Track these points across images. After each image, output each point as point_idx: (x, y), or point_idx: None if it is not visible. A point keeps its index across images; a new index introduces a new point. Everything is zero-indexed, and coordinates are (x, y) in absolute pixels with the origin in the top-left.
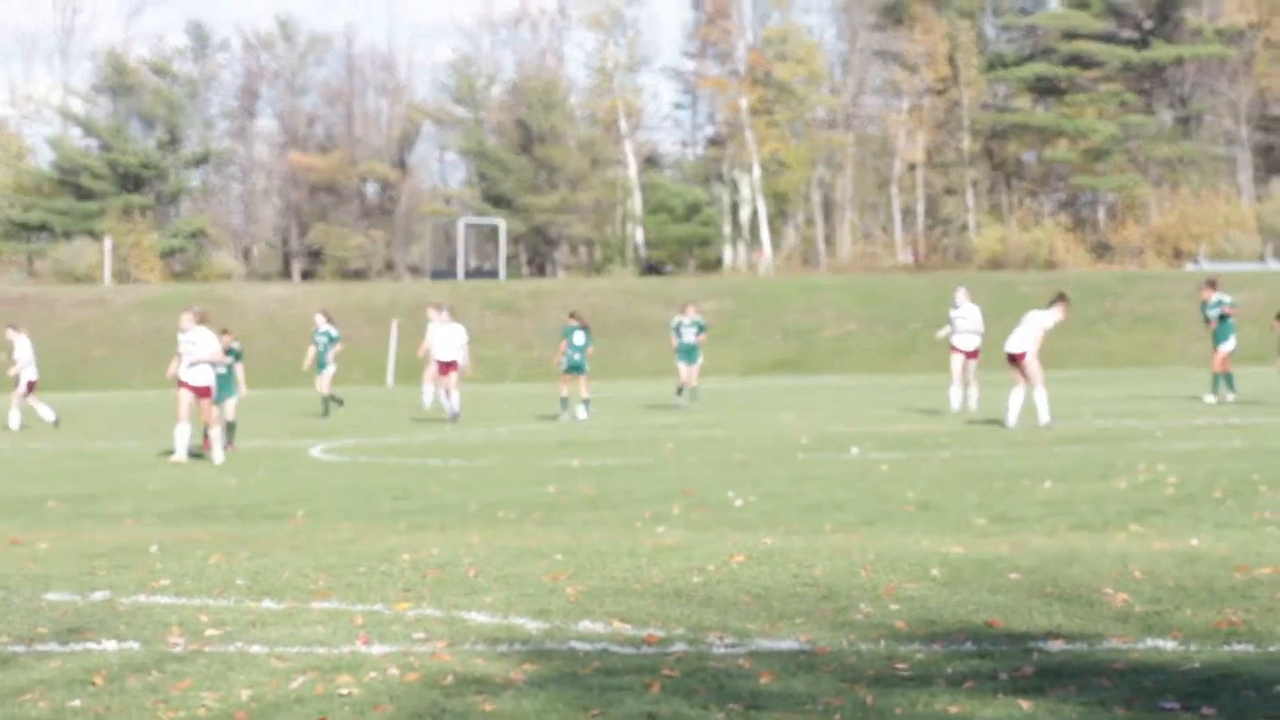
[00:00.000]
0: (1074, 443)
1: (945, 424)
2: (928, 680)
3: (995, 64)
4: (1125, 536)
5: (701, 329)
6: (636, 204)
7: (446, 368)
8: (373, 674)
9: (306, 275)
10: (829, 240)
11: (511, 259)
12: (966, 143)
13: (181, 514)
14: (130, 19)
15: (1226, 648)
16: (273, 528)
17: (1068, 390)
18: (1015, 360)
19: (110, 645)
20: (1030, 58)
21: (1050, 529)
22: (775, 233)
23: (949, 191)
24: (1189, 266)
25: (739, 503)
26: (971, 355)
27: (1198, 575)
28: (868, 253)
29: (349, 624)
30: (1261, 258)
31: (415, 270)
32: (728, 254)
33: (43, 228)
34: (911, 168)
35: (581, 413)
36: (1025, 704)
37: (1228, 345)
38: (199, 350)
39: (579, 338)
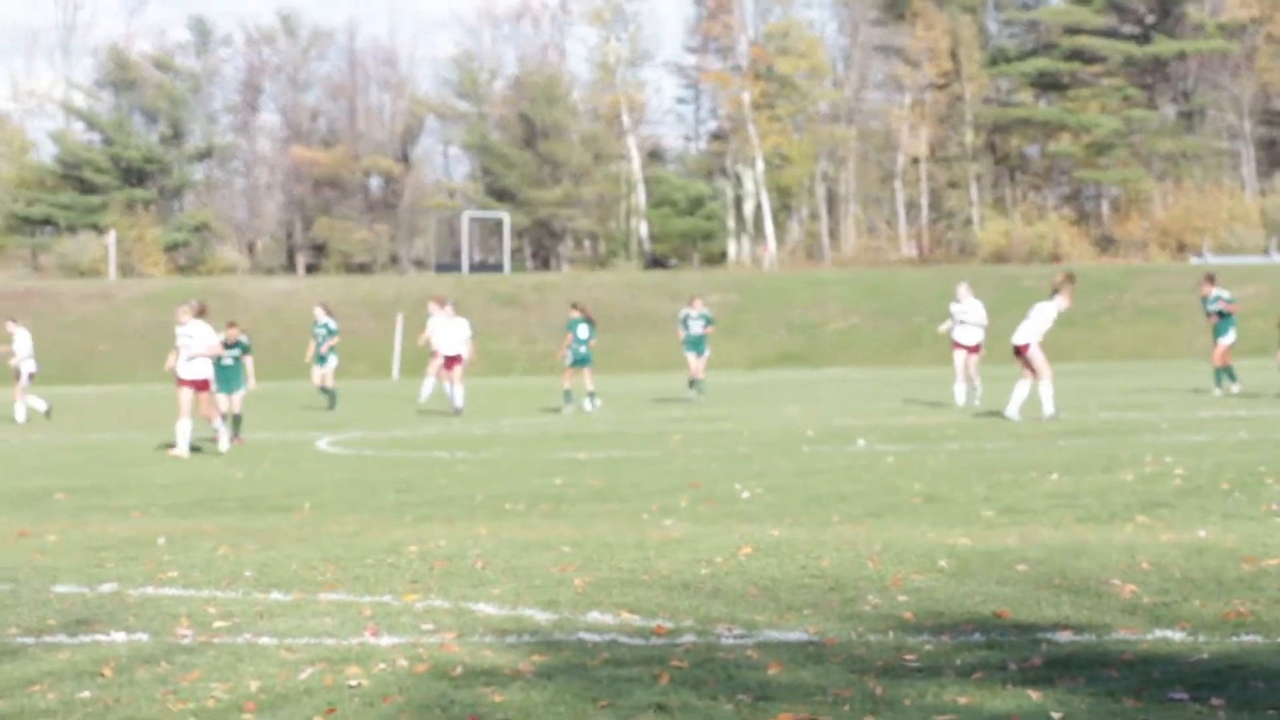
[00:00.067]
0: (1080, 435)
1: (951, 416)
2: (936, 671)
3: (997, 59)
4: (1133, 528)
5: (709, 321)
6: (640, 198)
7: (451, 362)
8: (381, 665)
9: (310, 269)
10: (833, 234)
11: (516, 253)
12: (969, 137)
13: (189, 506)
14: (132, 14)
15: (1234, 639)
16: (279, 520)
17: (1072, 383)
18: (1019, 352)
19: (119, 637)
20: (1033, 53)
21: (1057, 521)
22: (779, 227)
23: (952, 185)
24: (1193, 260)
25: (746, 495)
26: (973, 350)
27: (1205, 567)
28: (872, 246)
29: (357, 615)
30: (1265, 251)
31: (420, 264)
32: (732, 248)
33: (46, 222)
34: (915, 162)
35: (588, 405)
36: (1034, 695)
37: (1227, 339)
38: (196, 344)
39: (583, 330)
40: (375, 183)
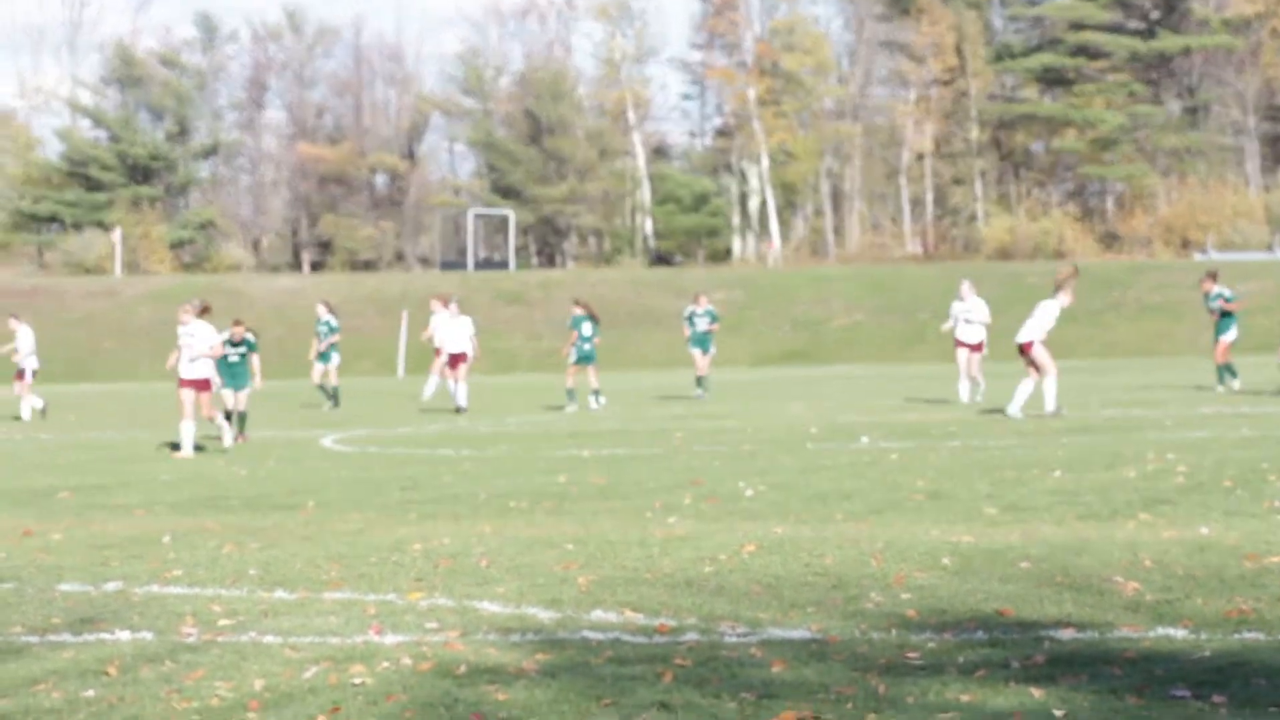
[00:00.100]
0: (1082, 432)
1: (954, 413)
2: (939, 669)
3: (1003, 54)
4: (1135, 525)
5: (714, 318)
6: (645, 194)
7: (456, 360)
8: (386, 664)
9: (316, 266)
10: (838, 230)
11: (521, 250)
12: (974, 133)
13: (193, 504)
14: (138, 11)
15: (1237, 636)
16: (284, 518)
17: (1075, 379)
18: (1023, 350)
19: (123, 635)
20: (1038, 48)
21: (1060, 518)
22: (784, 223)
23: (957, 181)
24: (1197, 256)
25: (749, 493)
26: (976, 348)
27: (1208, 564)
28: (876, 243)
29: (361, 614)
30: (1269, 247)
31: (425, 261)
32: (736, 245)
33: (52, 219)
34: (920, 158)
35: (594, 403)
36: (1037, 692)
37: (1229, 336)
38: (197, 344)
39: (587, 328)
40: (381, 180)
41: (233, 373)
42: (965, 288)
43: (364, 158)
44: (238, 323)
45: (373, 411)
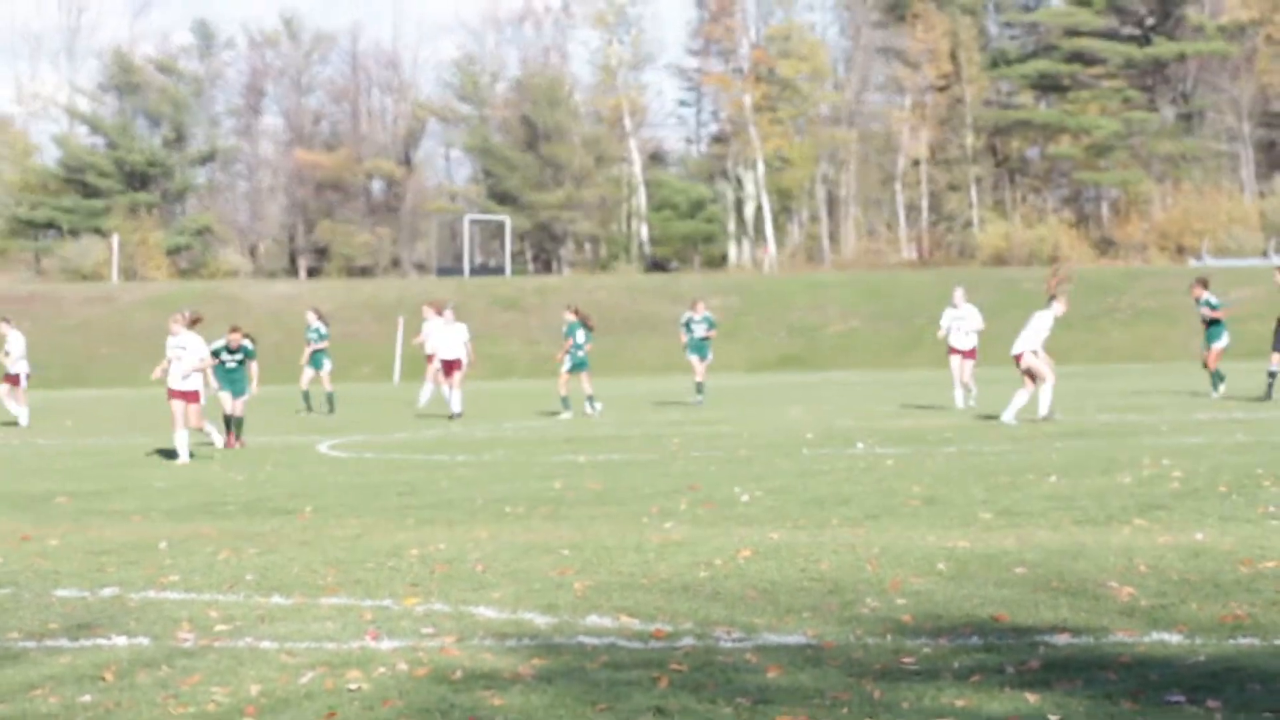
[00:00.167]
0: (1078, 437)
1: (950, 419)
2: (934, 674)
3: (998, 61)
4: (1130, 531)
5: (712, 325)
6: (641, 201)
7: (450, 366)
8: (382, 669)
9: (313, 272)
10: (833, 237)
11: (517, 256)
12: (970, 139)
13: (190, 510)
14: (135, 17)
15: (1232, 641)
16: (281, 523)
17: (1071, 385)
18: (1018, 361)
19: (120, 641)
20: (1033, 55)
21: (1055, 523)
22: (779, 229)
23: (953, 188)
24: (1192, 262)
25: (745, 498)
26: (969, 355)
27: (1202, 569)
28: (872, 249)
29: (358, 619)
30: (1264, 253)
31: (421, 267)
32: (732, 251)
33: (49, 225)
34: (915, 164)
35: (589, 409)
36: (1031, 697)
37: (1221, 343)
38: (188, 359)
39: (580, 335)
40: (377, 186)
41: (231, 379)
42: (958, 295)
43: (360, 164)
44: (235, 329)
45: (369, 417)
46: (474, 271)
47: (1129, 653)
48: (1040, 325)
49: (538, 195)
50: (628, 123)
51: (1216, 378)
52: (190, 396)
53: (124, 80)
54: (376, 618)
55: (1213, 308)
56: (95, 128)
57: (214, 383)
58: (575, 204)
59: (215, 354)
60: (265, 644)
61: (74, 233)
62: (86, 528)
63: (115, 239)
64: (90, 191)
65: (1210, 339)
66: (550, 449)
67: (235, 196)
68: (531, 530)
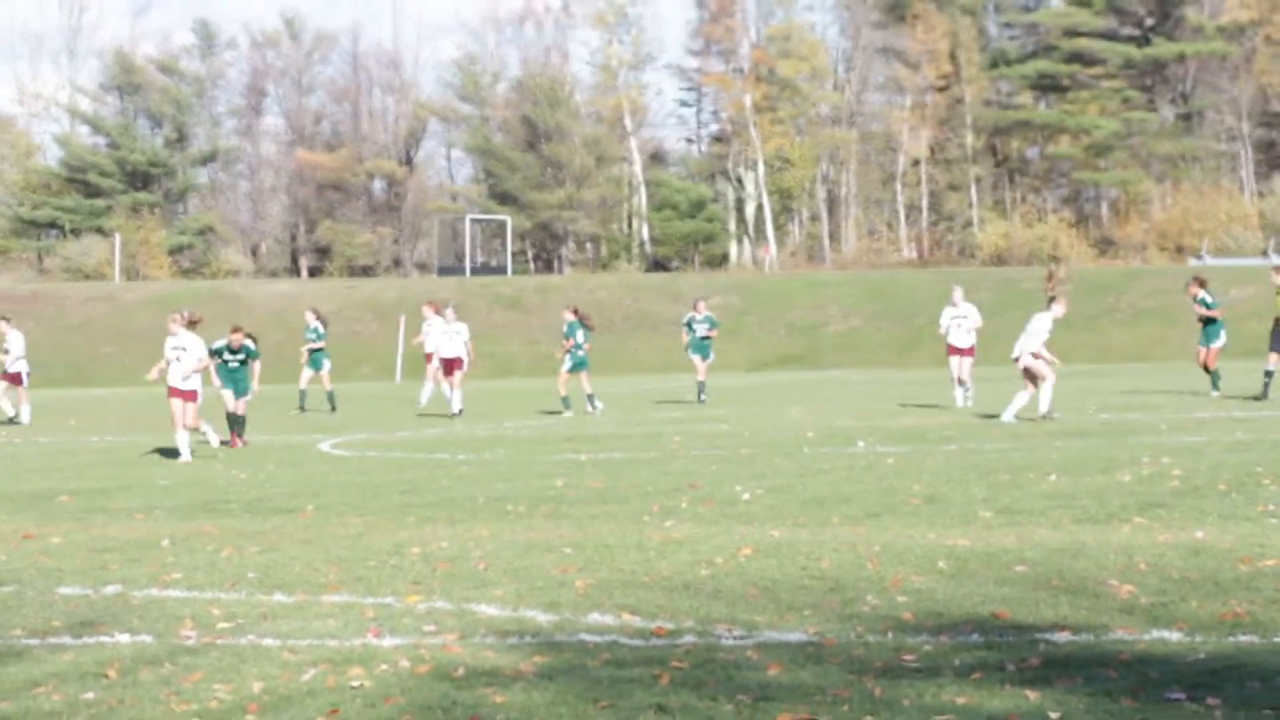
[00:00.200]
0: (1078, 436)
1: (950, 418)
2: (935, 671)
3: (998, 61)
4: (1130, 529)
5: (713, 325)
6: (642, 200)
7: (451, 365)
8: (384, 666)
9: (314, 272)
10: (834, 236)
11: (518, 255)
12: (970, 139)
13: (192, 508)
14: (137, 17)
15: (1231, 639)
16: (283, 522)
17: (1071, 384)
18: (1017, 363)
19: (123, 638)
20: (1032, 55)
21: (1055, 522)
22: (780, 229)
23: (953, 188)
24: (1191, 262)
25: (746, 496)
26: (968, 353)
27: (1202, 567)
28: (872, 248)
29: (360, 617)
30: (1264, 253)
31: (423, 267)
32: (733, 250)
33: (52, 225)
34: (915, 164)
35: (590, 408)
36: (1032, 695)
37: (1218, 342)
38: (187, 360)
39: (580, 335)
40: (378, 186)
41: (234, 378)
42: (957, 293)
43: (362, 164)
44: (236, 329)
45: (371, 416)
46: (475, 271)
47: (1129, 650)
48: (1039, 328)
49: (539, 195)
50: (628, 123)
51: (1215, 377)
52: (189, 396)
53: (125, 80)
54: (378, 615)
55: (1208, 306)
56: (97, 128)
57: (217, 381)
58: (576, 204)
59: (217, 353)
60: (267, 641)
61: (76, 232)
62: (89, 526)
63: (117, 239)
64: (92, 191)
65: (1210, 339)
66: (551, 447)
67: (237, 196)
68: (533, 528)
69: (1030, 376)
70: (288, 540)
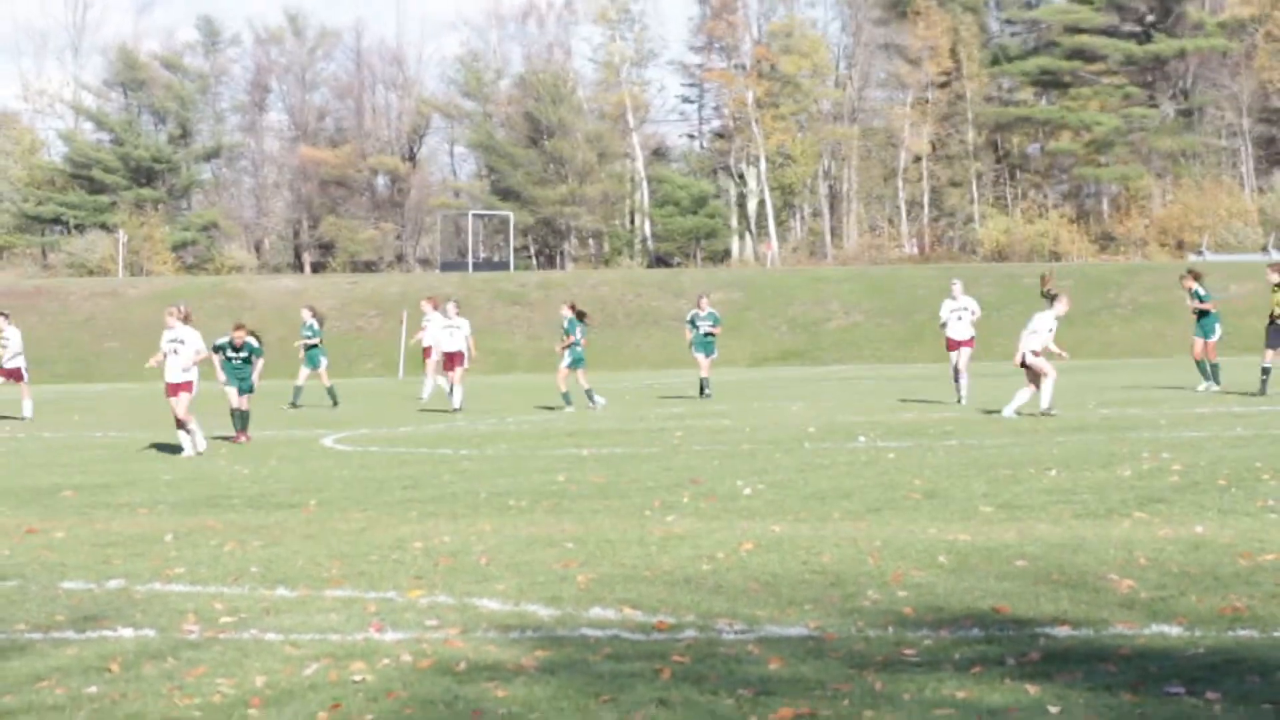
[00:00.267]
0: (1078, 431)
1: (950, 413)
2: (935, 666)
3: (999, 57)
4: (1130, 524)
5: (717, 321)
6: (644, 196)
7: (452, 360)
8: (386, 661)
9: (317, 268)
10: (835, 232)
11: (520, 251)
12: (971, 135)
13: (195, 503)
14: (141, 14)
15: (1231, 633)
16: (286, 516)
17: (1071, 379)
18: (1023, 362)
19: (126, 633)
20: (1033, 51)
21: (1056, 516)
22: (782, 225)
23: (954, 184)
24: (1192, 257)
25: (747, 491)
26: (967, 344)
27: (1202, 562)
28: (874, 244)
29: (362, 611)
30: (1264, 248)
31: (426, 263)
32: (735, 246)
33: (56, 221)
34: (916, 160)
35: (590, 403)
36: (1032, 689)
37: (1215, 335)
38: (185, 353)
39: (579, 331)
40: (382, 182)
41: (238, 375)
42: (956, 287)
43: (365, 160)
44: (239, 326)
45: (373, 411)
46: (478, 267)
47: (1129, 645)
48: (1040, 326)
49: (541, 191)
50: (630, 119)
51: (1215, 369)
52: (184, 387)
53: (129, 77)
54: (381, 610)
55: (1201, 299)
56: (101, 124)
57: (221, 377)
58: (578, 199)
59: (220, 350)
60: (270, 636)
61: (80, 228)
62: (92, 520)
63: (121, 234)
64: (96, 187)
65: (1206, 332)
66: (553, 442)
67: (240, 192)
68: (535, 523)
69: (1032, 374)
70: (290, 535)
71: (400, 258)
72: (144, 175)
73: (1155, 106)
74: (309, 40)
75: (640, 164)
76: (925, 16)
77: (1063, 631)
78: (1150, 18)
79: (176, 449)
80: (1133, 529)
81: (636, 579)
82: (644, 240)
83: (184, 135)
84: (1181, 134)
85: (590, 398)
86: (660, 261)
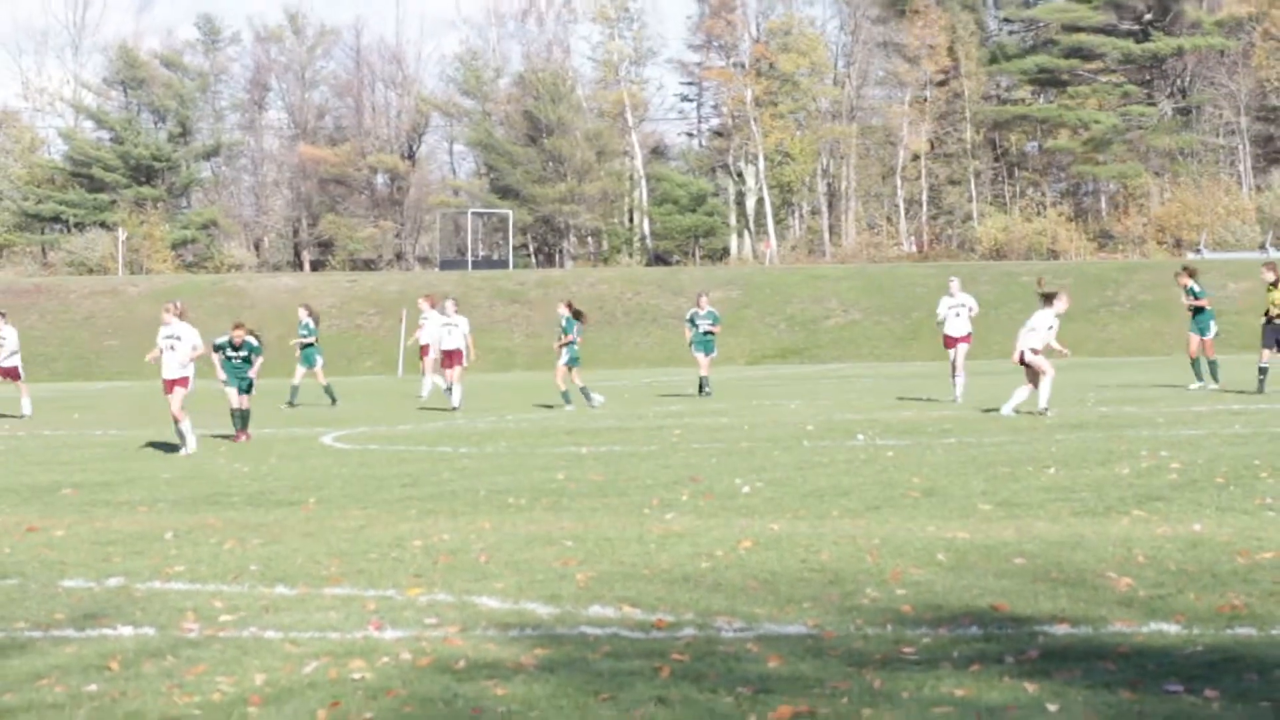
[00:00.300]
0: (1076, 429)
1: (949, 411)
2: (934, 664)
3: (997, 56)
4: (1128, 522)
5: (716, 320)
6: (643, 195)
7: (450, 358)
8: (385, 659)
9: (316, 266)
10: (834, 230)
11: (520, 249)
12: (969, 134)
13: (195, 501)
14: (141, 12)
15: (1229, 631)
16: (285, 514)
17: (1069, 377)
18: (1021, 360)
19: (126, 631)
20: (1032, 50)
21: (1054, 514)
22: (780, 223)
23: (952, 182)
24: (1190, 255)
25: (746, 489)
26: (964, 340)
27: (1200, 560)
28: (872, 242)
29: (361, 609)
30: (1261, 246)
31: (425, 261)
32: (733, 244)
33: (56, 219)
34: (915, 158)
35: (587, 401)
36: (1030, 687)
37: (1211, 333)
38: (183, 349)
39: (576, 329)
40: (381, 180)
41: (238, 374)
42: (954, 284)
43: (364, 158)
44: (238, 326)
45: (373, 409)
46: (477, 265)
47: (1127, 643)
48: (1039, 324)
49: (540, 189)
50: (629, 117)
51: (1215, 367)
52: (180, 382)
53: (129, 75)
54: (380, 608)
55: (1196, 296)
56: (101, 122)
57: (222, 375)
58: (577, 198)
59: (219, 350)
60: (269, 634)
61: (80, 226)
62: (92, 518)
63: (121, 233)
64: (96, 185)
65: (1202, 329)
66: (552, 441)
67: (240, 190)
68: (534, 521)
69: (1031, 372)
70: (290, 533)
71: (399, 256)
72: (144, 173)
73: (1153, 105)
74: (308, 39)
75: (639, 162)
76: (923, 15)
77: (1061, 629)
78: (1148, 16)
79: (176, 447)
80: (1131, 527)
81: (635, 577)
82: (643, 238)
83: (184, 133)
84: (1179, 132)
85: (586, 396)
86: (659, 260)
